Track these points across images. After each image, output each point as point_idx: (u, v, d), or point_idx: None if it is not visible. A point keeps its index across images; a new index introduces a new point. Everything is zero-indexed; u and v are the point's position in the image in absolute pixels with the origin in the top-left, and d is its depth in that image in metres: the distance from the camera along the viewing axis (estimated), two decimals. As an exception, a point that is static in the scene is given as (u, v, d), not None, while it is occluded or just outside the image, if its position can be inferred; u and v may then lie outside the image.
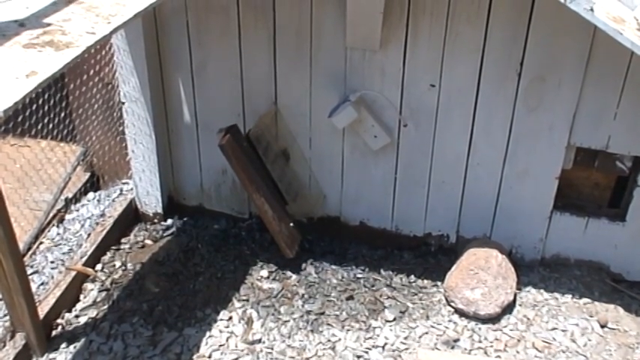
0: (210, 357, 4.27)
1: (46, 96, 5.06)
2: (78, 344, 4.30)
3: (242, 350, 4.31)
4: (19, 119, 4.72)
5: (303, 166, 5.02)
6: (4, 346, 4.11)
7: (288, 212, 5.02)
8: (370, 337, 4.40)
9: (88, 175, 5.78)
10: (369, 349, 4.33)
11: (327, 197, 5.09)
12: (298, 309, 4.62)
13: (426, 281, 4.88)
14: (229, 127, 4.69)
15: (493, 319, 4.51)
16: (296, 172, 5.05)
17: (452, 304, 4.60)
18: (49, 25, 3.12)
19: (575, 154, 4.51)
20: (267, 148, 4.89)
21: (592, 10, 3.31)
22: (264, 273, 4.90)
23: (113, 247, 5.11)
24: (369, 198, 5.05)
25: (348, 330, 4.46)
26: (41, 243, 5.05)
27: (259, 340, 4.37)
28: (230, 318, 4.53)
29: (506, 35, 4.13)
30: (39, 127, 5.08)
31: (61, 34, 3.04)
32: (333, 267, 4.98)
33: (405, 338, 4.40)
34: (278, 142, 4.94)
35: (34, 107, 4.94)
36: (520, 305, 4.63)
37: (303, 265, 4.98)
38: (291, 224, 4.97)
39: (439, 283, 4.82)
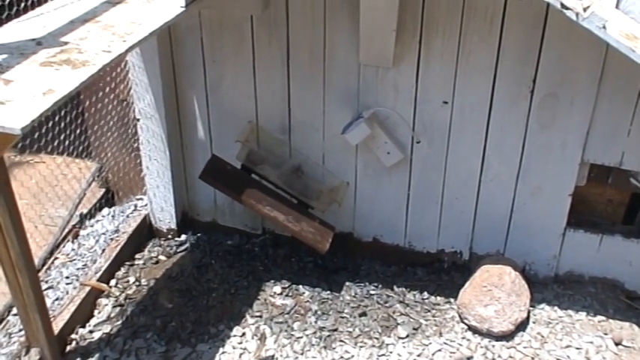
0: (223, 373, 4.29)
1: (62, 113, 5.09)
2: (92, 360, 4.33)
3: (255, 366, 4.32)
4: (36, 136, 4.76)
5: (316, 171, 4.99)
6: (19, 361, 4.14)
7: (310, 214, 4.94)
8: (383, 354, 4.39)
9: (102, 191, 5.80)
10: (382, 366, 4.33)
11: (349, 184, 5.01)
12: (311, 325, 4.62)
13: (439, 298, 4.86)
14: (209, 160, 4.84)
15: (507, 337, 4.49)
16: (310, 177, 5.01)
17: (465, 321, 4.58)
18: (65, 43, 3.16)
19: (588, 171, 4.50)
20: (263, 163, 4.90)
21: (604, 27, 3.29)
22: (277, 289, 4.91)
23: (127, 263, 5.13)
24: (382, 214, 5.05)
25: (361, 347, 4.45)
26: (56, 258, 5.07)
27: (272, 357, 4.37)
28: (243, 334, 4.54)
29: (518, 53, 4.14)
30: (55, 143, 5.12)
31: (78, 53, 3.07)
32: (347, 283, 4.98)
33: (418, 355, 4.38)
34: (292, 158, 4.96)
35: (50, 124, 4.98)
36: (534, 322, 4.61)
37: (316, 282, 4.99)
38: (316, 222, 4.91)
39: (452, 300, 4.80)
